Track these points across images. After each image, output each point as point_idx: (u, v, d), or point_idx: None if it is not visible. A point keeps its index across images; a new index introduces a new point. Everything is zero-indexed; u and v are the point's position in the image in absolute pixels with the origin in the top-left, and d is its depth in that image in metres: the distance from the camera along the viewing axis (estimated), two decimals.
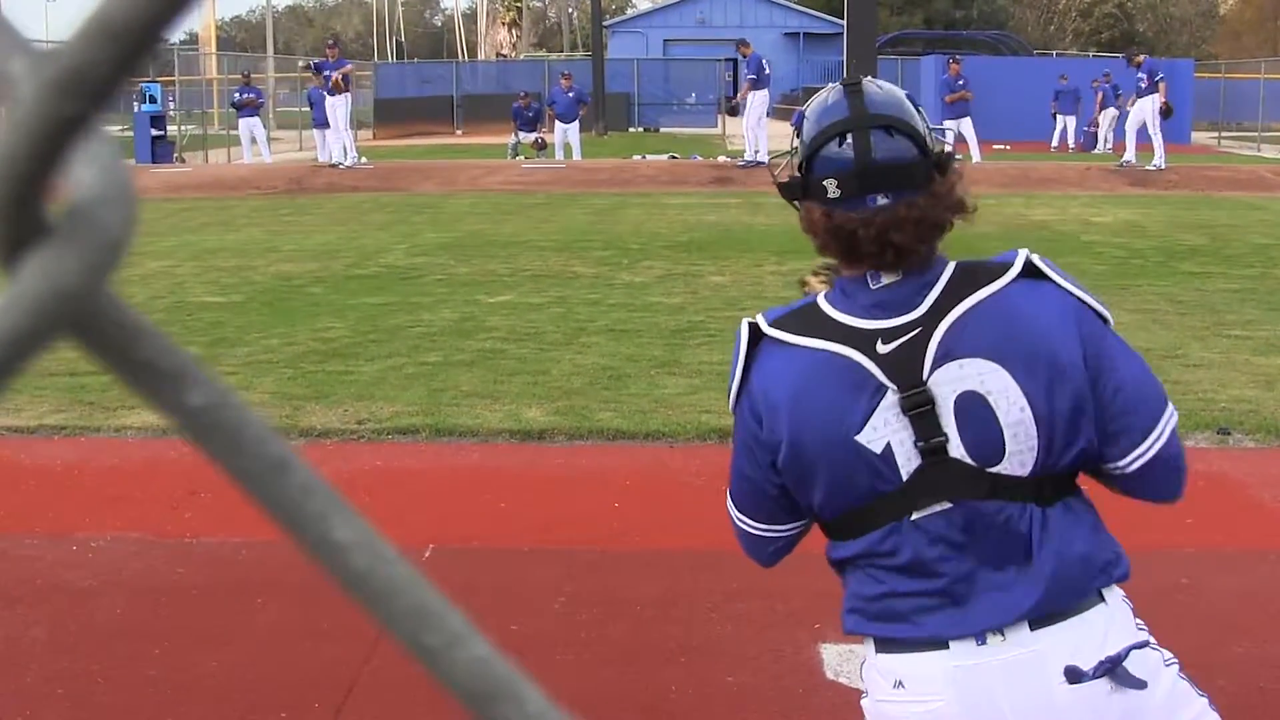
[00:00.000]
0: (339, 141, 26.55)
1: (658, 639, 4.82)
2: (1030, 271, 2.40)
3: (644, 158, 29.69)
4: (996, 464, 2.33)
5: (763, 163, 25.27)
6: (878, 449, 2.34)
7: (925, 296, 2.36)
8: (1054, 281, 2.39)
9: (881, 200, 2.33)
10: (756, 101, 25.43)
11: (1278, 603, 5.19)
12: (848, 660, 4.63)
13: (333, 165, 26.04)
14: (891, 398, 2.33)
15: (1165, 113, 24.97)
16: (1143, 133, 25.25)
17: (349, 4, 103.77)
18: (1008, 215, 18.92)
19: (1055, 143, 35.80)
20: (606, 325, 10.50)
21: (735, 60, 26.20)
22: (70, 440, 7.46)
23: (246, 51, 58.12)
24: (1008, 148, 32.86)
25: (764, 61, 26.18)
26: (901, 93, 2.49)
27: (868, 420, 2.34)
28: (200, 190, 23.33)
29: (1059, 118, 36.27)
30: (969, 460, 2.33)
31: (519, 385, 8.47)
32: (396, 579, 0.46)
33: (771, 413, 2.43)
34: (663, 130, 46.21)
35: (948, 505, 2.34)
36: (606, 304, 11.52)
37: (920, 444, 2.33)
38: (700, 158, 28.97)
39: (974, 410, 2.32)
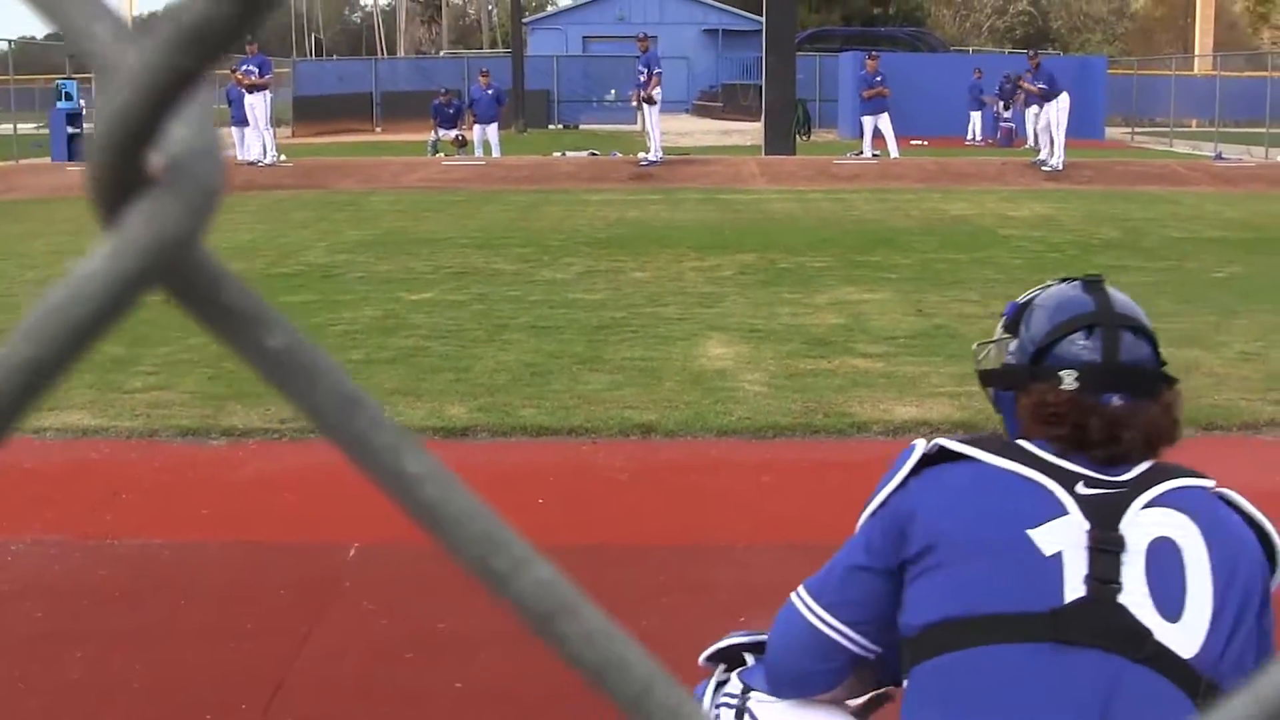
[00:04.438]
0: (258, 139, 26.36)
1: None
2: (1224, 499, 2.34)
3: (564, 154, 29.71)
4: (1173, 621, 2.15)
5: (657, 161, 25.36)
6: (1047, 550, 2.19)
7: (1130, 470, 2.30)
8: (1249, 514, 2.33)
9: (1117, 401, 2.33)
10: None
11: None
12: None
13: (252, 163, 25.84)
14: (1079, 525, 2.21)
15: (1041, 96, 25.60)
16: (1065, 130, 25.42)
17: None
18: (926, 210, 19.11)
19: (969, 137, 36.17)
20: (528, 322, 10.50)
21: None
22: None
23: None
24: (925, 143, 33.12)
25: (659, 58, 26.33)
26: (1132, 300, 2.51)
27: (1045, 523, 2.21)
28: None
29: (971, 113, 36.73)
30: (1138, 613, 2.15)
31: (441, 383, 8.45)
32: (466, 507, 0.48)
33: (927, 520, 2.30)
34: (583, 127, 46.26)
35: (1100, 651, 2.13)
36: (528, 300, 11.52)
37: (1092, 579, 2.16)
38: (620, 154, 28.99)
39: (1167, 557, 2.19)
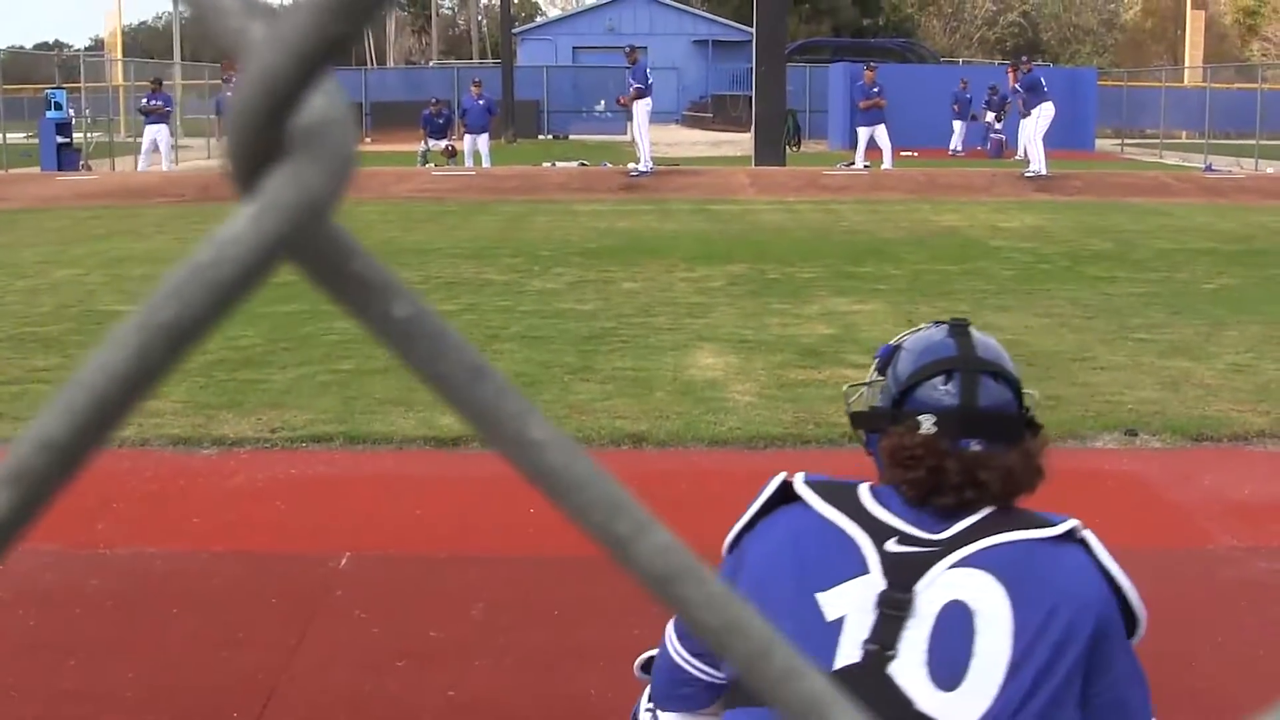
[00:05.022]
0: None
1: (577, 643, 4.84)
2: (1077, 543, 2.31)
3: (554, 165, 29.73)
4: (949, 689, 2.14)
5: (646, 171, 25.37)
6: (829, 616, 2.20)
7: (955, 523, 2.30)
8: (1100, 562, 2.30)
9: (975, 446, 2.34)
10: (642, 109, 25.50)
11: (1184, 598, 5.28)
12: None
13: None
14: (874, 586, 2.21)
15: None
16: (1048, 139, 25.48)
17: None
18: (916, 221, 19.13)
19: (951, 148, 36.29)
20: (519, 332, 10.50)
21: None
22: None
23: (153, 58, 57.35)
24: (915, 154, 33.16)
25: (649, 69, 26.35)
26: (999, 344, 2.52)
27: (838, 585, 2.23)
28: (108, 198, 23.07)
29: (955, 123, 36.88)
30: (904, 682, 2.14)
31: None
32: (588, 474, 0.50)
33: (749, 574, 2.35)
34: (572, 137, 46.28)
35: None
36: (519, 311, 11.51)
37: (869, 645, 2.17)
38: (610, 165, 28.99)
39: (956, 624, 2.18)
